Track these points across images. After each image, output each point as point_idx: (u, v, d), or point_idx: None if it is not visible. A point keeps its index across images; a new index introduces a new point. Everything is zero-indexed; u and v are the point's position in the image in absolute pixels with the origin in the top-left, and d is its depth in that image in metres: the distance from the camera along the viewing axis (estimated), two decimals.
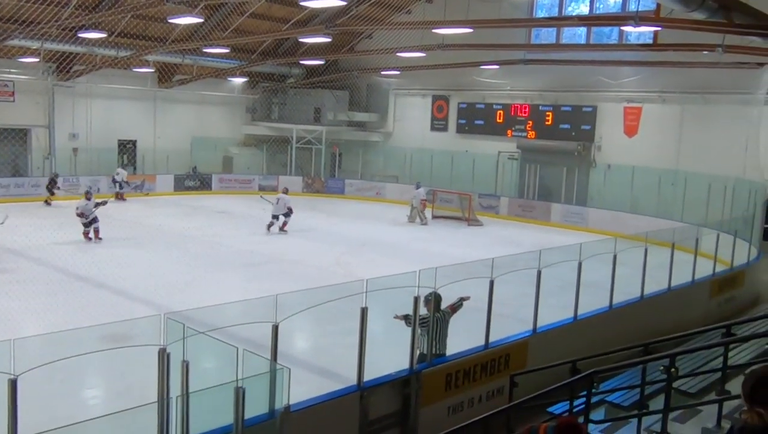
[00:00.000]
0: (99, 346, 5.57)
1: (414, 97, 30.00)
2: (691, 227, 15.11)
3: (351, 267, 16.04)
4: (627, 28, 17.13)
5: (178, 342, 5.26)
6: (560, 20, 24.12)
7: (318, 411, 6.54)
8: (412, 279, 7.33)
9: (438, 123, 29.31)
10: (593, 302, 10.42)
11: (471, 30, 17.80)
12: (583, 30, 24.29)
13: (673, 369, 6.56)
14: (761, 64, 18.90)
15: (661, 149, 22.79)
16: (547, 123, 25.64)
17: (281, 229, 20.02)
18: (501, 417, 6.45)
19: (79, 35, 21.33)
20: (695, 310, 12.58)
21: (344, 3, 16.98)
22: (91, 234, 17.20)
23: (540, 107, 25.86)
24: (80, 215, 17.16)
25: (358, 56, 28.64)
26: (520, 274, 9.07)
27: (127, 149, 28.15)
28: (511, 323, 9.47)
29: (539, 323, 9.25)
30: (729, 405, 6.76)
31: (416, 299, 7.41)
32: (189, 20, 18.69)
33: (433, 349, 7.83)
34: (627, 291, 11.06)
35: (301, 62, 28.28)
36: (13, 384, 4.61)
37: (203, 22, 22.80)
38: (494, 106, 27.13)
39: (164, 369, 5.31)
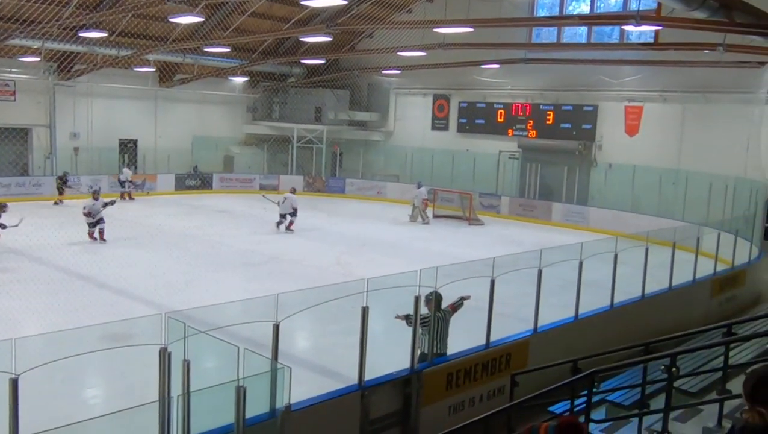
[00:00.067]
0: (100, 345, 5.57)
1: (415, 96, 30.00)
2: (692, 227, 15.10)
3: (352, 267, 16.04)
4: (628, 28, 17.13)
5: (179, 341, 5.26)
6: (561, 19, 24.11)
7: (319, 410, 6.54)
8: (413, 279, 7.33)
9: (439, 122, 29.30)
10: (594, 301, 10.42)
11: (472, 29, 17.80)
12: (584, 29, 24.28)
13: (674, 369, 6.56)
14: (762, 63, 18.88)
15: (662, 149, 22.78)
16: (548, 122, 25.63)
17: (288, 228, 20.08)
18: (502, 417, 6.45)
19: (80, 34, 21.34)
20: (696, 309, 12.58)
21: (345, 2, 16.98)
22: (96, 234, 17.16)
23: (541, 106, 25.85)
24: (87, 214, 17.11)
25: (358, 55, 28.65)
26: (521, 273, 9.07)
27: (128, 149, 28.15)
28: (512, 323, 9.47)
29: (540, 323, 9.25)
30: (730, 405, 6.75)
31: (417, 299, 7.41)
32: (190, 19, 18.73)
33: (434, 348, 7.84)
34: (628, 291, 11.06)
35: (302, 61, 28.30)
36: (14, 384, 4.62)
37: (204, 22, 22.81)
38: (495, 106, 27.11)
39: (165, 369, 5.31)
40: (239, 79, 30.12)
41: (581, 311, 9.95)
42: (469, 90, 27.87)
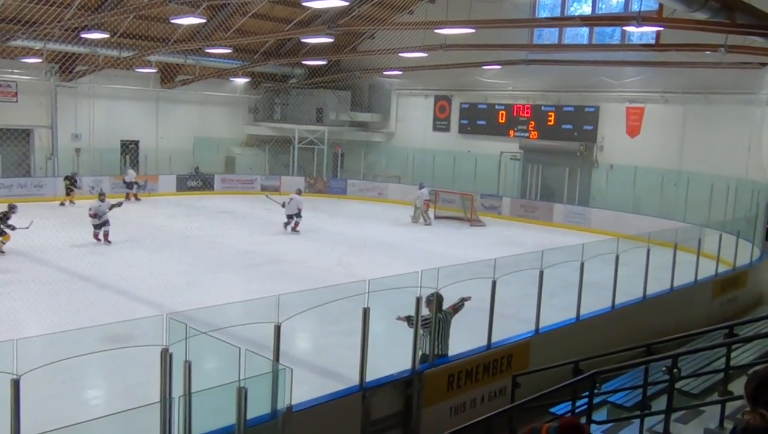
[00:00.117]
0: (101, 346, 5.57)
1: (416, 97, 30.01)
2: (693, 228, 15.11)
3: (353, 268, 16.04)
4: (629, 29, 17.08)
5: (181, 342, 5.26)
6: (562, 20, 24.10)
7: (320, 411, 6.54)
8: (414, 280, 7.33)
9: (440, 123, 29.31)
10: (596, 302, 10.41)
11: (473, 30, 17.80)
12: (585, 30, 24.27)
13: (675, 370, 6.56)
14: (764, 65, 18.87)
15: (663, 150, 22.77)
16: (549, 123, 25.63)
17: (293, 229, 20.11)
18: (503, 418, 6.44)
19: (82, 36, 21.37)
20: (698, 310, 12.56)
21: (346, 3, 16.99)
22: (101, 236, 17.10)
23: (542, 107, 25.85)
24: (93, 216, 17.06)
25: (360, 56, 28.66)
26: (523, 274, 9.07)
27: (129, 150, 28.18)
28: (514, 324, 9.45)
29: (542, 324, 9.25)
30: (732, 406, 6.75)
31: (418, 300, 7.41)
32: (191, 21, 18.73)
33: (436, 349, 7.83)
34: (629, 292, 11.05)
35: (304, 62, 28.32)
36: (15, 384, 4.62)
37: (206, 23, 22.84)
38: (496, 107, 27.12)
39: (166, 369, 5.31)
40: (241, 80, 30.16)
41: (583, 312, 9.95)
42: (470, 91, 27.88)
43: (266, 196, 22.43)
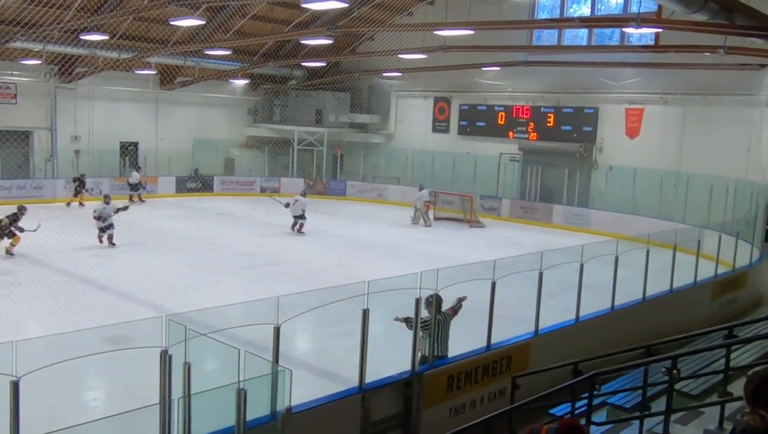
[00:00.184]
0: (101, 348, 5.57)
1: (415, 98, 30.02)
2: (693, 229, 15.11)
3: (352, 269, 16.04)
4: (628, 30, 17.09)
5: (180, 343, 5.26)
6: (561, 22, 24.13)
7: (320, 412, 6.54)
8: (414, 281, 7.34)
9: (439, 125, 29.32)
10: (595, 303, 10.41)
11: (472, 32, 17.82)
12: (584, 32, 24.30)
13: (675, 371, 6.56)
14: (763, 66, 18.89)
15: (662, 151, 22.78)
16: (548, 125, 25.64)
17: (298, 231, 20.13)
18: (503, 419, 6.44)
19: (81, 37, 21.36)
20: (697, 312, 12.56)
21: (346, 5, 16.99)
22: (105, 239, 16.98)
23: (541, 109, 25.86)
24: (98, 218, 16.97)
25: (359, 58, 28.67)
26: (522, 276, 9.06)
27: (129, 151, 28.19)
28: (513, 325, 9.45)
29: (541, 325, 9.25)
30: (731, 407, 6.75)
31: (418, 301, 7.41)
32: (191, 22, 18.75)
33: (435, 351, 7.83)
34: (629, 293, 11.05)
35: (303, 64, 28.33)
36: (15, 386, 4.62)
37: (205, 24, 22.87)
38: (496, 108, 27.13)
39: (166, 371, 5.31)
40: (240, 82, 30.17)
41: (582, 313, 9.95)
42: (469, 92, 27.89)
43: (272, 198, 22.43)
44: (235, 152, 31.20)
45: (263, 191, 28.35)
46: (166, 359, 5.30)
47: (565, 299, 10.13)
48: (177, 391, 5.27)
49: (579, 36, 24.76)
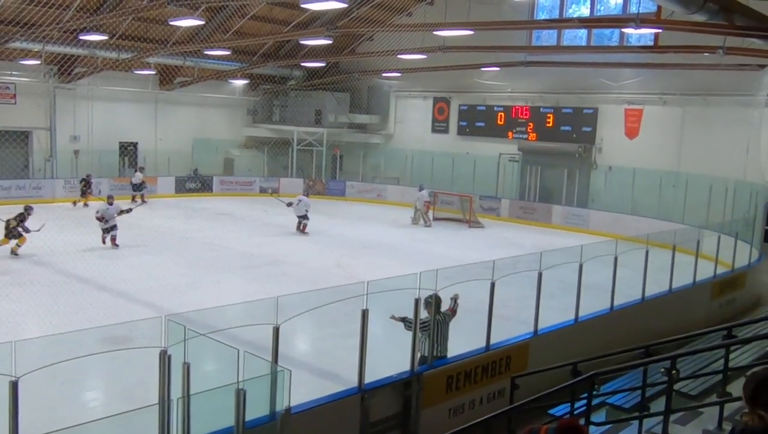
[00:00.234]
0: (100, 348, 5.57)
1: (415, 99, 30.02)
2: (692, 229, 15.09)
3: (352, 269, 16.04)
4: (628, 30, 17.10)
5: (179, 343, 5.26)
6: (561, 22, 24.14)
7: (319, 413, 6.54)
8: (413, 281, 7.34)
9: (439, 125, 29.33)
10: (594, 304, 10.41)
11: (472, 32, 17.82)
12: (583, 32, 24.31)
13: (674, 371, 6.56)
14: (762, 66, 18.90)
15: (662, 151, 22.79)
16: (548, 125, 25.65)
17: (302, 231, 20.16)
18: (502, 419, 6.45)
19: (81, 38, 21.35)
20: (696, 312, 12.57)
21: (345, 5, 16.99)
22: (108, 240, 16.91)
23: (541, 109, 25.87)
24: (100, 218, 16.90)
25: (359, 58, 28.67)
26: (521, 276, 9.07)
27: (128, 151, 28.18)
28: (512, 325, 9.46)
29: (540, 325, 9.25)
30: (730, 407, 6.75)
31: (417, 301, 7.41)
32: (190, 23, 18.74)
33: (434, 351, 7.84)
34: (628, 293, 11.05)
35: (302, 64, 28.32)
36: (14, 386, 4.62)
37: (204, 25, 22.86)
38: (495, 108, 27.14)
39: (165, 371, 5.31)
40: (239, 82, 30.16)
41: (581, 313, 9.95)
42: (469, 93, 27.89)
43: (276, 198, 22.44)
44: (235, 153, 31.19)
45: (262, 191, 28.36)
46: (165, 359, 5.30)
47: (564, 299, 10.13)
48: (176, 391, 5.27)
49: (578, 36, 24.77)
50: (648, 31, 18.10)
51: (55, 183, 24.85)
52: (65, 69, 24.59)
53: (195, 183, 28.70)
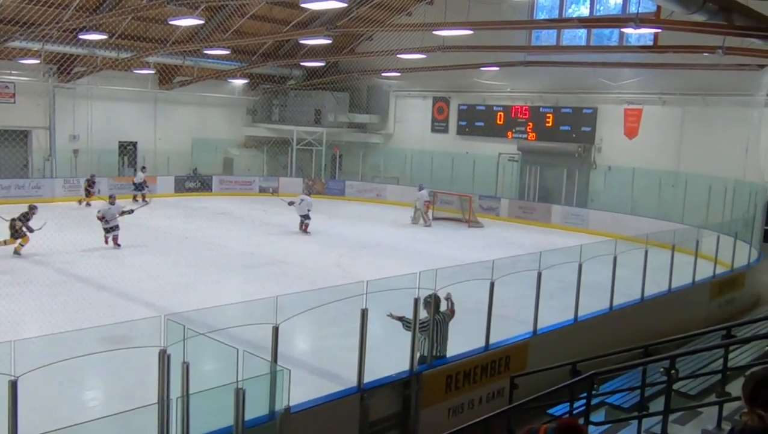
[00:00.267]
0: (99, 348, 5.57)
1: (414, 98, 30.02)
2: (691, 229, 15.10)
3: (351, 269, 16.04)
4: (627, 30, 17.09)
5: (179, 343, 5.26)
6: (560, 22, 24.14)
7: (318, 412, 6.54)
8: (413, 281, 7.34)
9: (438, 125, 29.33)
10: (593, 303, 10.42)
11: (471, 32, 17.81)
12: (583, 32, 24.31)
13: (673, 371, 6.57)
14: (761, 66, 18.90)
15: (661, 151, 22.80)
16: (547, 125, 25.66)
17: (304, 231, 20.16)
18: (501, 419, 6.45)
19: (80, 37, 21.35)
20: (696, 312, 12.58)
21: (345, 5, 16.98)
22: (110, 241, 16.87)
23: (540, 109, 25.88)
24: (101, 218, 16.85)
25: (358, 58, 28.67)
26: (521, 276, 9.07)
27: (127, 151, 28.17)
28: (512, 325, 9.46)
29: (539, 325, 9.25)
30: (729, 407, 6.76)
31: (416, 301, 7.41)
32: (189, 22, 18.71)
33: (434, 351, 7.84)
34: (627, 293, 11.06)
35: (302, 64, 28.31)
36: (13, 385, 4.61)
37: (204, 24, 22.85)
38: (494, 108, 27.14)
39: (164, 371, 5.31)
40: (239, 82, 30.15)
41: (581, 313, 9.95)
42: (468, 92, 27.89)
43: (279, 198, 22.44)
44: (234, 152, 31.18)
45: (262, 190, 28.36)
46: (164, 358, 5.30)
47: (563, 299, 10.14)
48: (175, 391, 5.27)
49: (578, 36, 24.77)
50: (647, 31, 18.09)
51: (55, 182, 24.83)
52: (65, 68, 24.57)
53: (194, 183, 28.69)
